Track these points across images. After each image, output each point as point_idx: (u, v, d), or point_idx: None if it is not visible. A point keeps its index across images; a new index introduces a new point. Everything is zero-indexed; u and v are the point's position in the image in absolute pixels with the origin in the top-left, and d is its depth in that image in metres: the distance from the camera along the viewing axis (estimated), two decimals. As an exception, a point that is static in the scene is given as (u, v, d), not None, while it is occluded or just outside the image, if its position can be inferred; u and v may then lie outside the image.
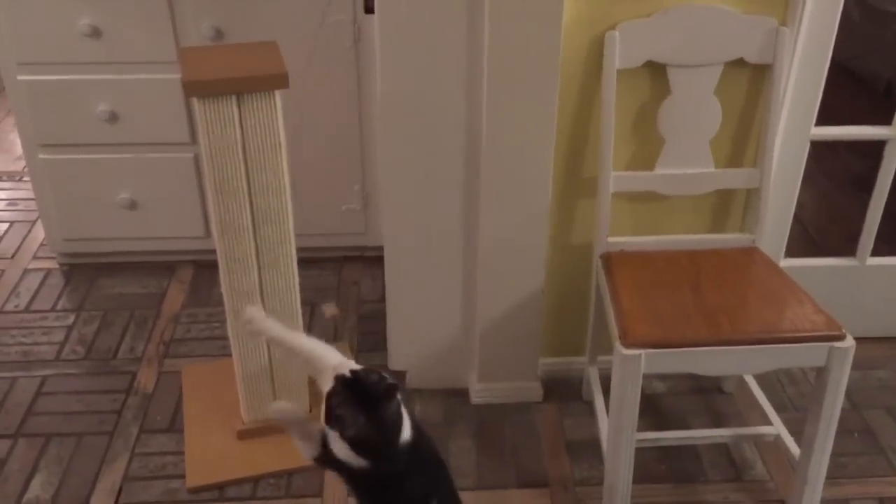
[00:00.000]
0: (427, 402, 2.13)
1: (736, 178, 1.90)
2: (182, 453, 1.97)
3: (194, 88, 1.62)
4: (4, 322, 2.41)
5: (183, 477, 1.91)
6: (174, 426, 2.05)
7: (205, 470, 1.92)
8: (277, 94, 1.67)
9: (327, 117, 2.41)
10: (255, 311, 1.65)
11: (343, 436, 1.31)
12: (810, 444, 1.70)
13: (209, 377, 2.18)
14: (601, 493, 1.79)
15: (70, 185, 2.48)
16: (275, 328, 1.57)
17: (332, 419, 1.32)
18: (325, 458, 1.40)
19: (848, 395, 1.66)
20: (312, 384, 2.03)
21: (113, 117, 2.37)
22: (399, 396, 1.35)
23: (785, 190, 2.07)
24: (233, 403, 2.02)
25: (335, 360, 1.40)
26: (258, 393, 1.96)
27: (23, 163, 3.09)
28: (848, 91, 3.00)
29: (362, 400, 1.30)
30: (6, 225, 2.87)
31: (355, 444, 1.32)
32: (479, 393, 2.12)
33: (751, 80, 1.85)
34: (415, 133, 1.85)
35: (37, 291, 2.54)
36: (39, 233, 2.76)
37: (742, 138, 1.91)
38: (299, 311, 1.91)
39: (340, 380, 1.31)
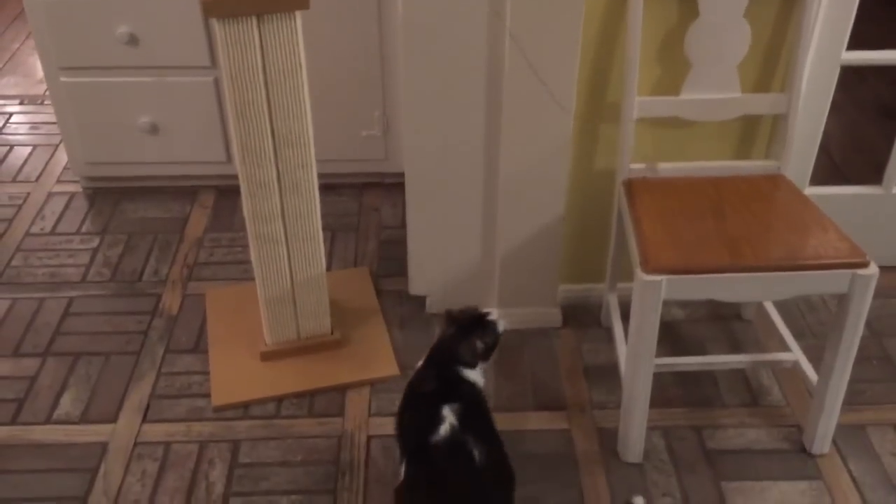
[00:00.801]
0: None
1: (763, 104, 1.87)
2: (207, 373, 2.02)
3: (214, 9, 1.60)
4: (31, 244, 2.45)
5: (208, 396, 1.96)
6: (199, 347, 2.10)
7: (229, 389, 1.97)
8: (298, 14, 1.65)
9: (347, 41, 2.38)
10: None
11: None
12: (829, 370, 1.71)
13: (232, 300, 2.21)
14: (618, 417, 1.81)
15: (91, 108, 2.48)
16: None
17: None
18: None
19: (868, 322, 1.66)
20: (334, 307, 2.06)
21: (133, 40, 2.35)
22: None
23: (812, 116, 2.04)
24: (255, 326, 2.05)
25: None
26: (281, 316, 1.99)
27: (44, 86, 3.09)
28: (879, 14, 2.92)
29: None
30: (29, 148, 2.88)
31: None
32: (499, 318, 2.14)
33: (782, 1, 1.81)
34: (436, 57, 1.83)
35: (61, 214, 2.57)
36: (62, 156, 2.77)
37: (770, 62, 1.88)
38: (321, 235, 1.92)
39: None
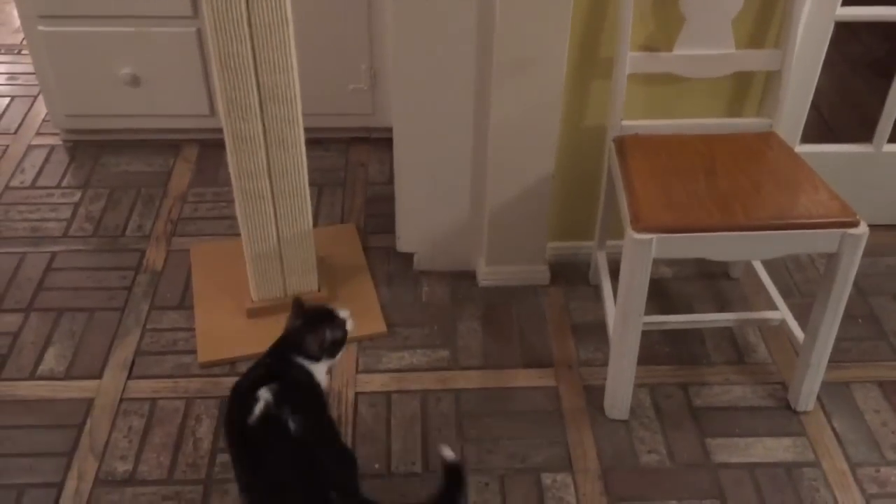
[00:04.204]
0: (435, 285, 2.14)
1: (757, 60, 1.85)
2: (192, 330, 2.00)
3: (197, -43, 1.56)
4: (11, 198, 2.40)
5: (194, 352, 1.95)
6: (184, 303, 2.08)
7: (215, 346, 1.95)
8: (284, -36, 1.61)
9: (334, -9, 2.32)
10: None
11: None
12: (815, 329, 1.72)
13: (217, 256, 2.18)
14: (605, 374, 1.82)
15: (70, 58, 2.42)
16: None
17: None
18: None
19: (855, 281, 1.66)
20: (321, 264, 2.04)
21: (112, -12, 2.29)
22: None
23: (805, 73, 2.02)
24: (241, 282, 2.03)
25: None
26: (267, 272, 1.97)
27: (21, 35, 3.01)
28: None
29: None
30: (7, 99, 2.82)
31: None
32: (487, 276, 2.13)
33: (778, -45, 1.78)
34: (425, 9, 1.79)
35: (42, 167, 2.52)
36: (41, 108, 2.72)
37: (765, 18, 1.85)
38: (307, 192, 1.89)
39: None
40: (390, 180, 2.19)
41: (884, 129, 2.15)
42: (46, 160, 2.55)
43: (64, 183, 2.47)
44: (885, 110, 2.12)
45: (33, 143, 2.62)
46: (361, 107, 2.52)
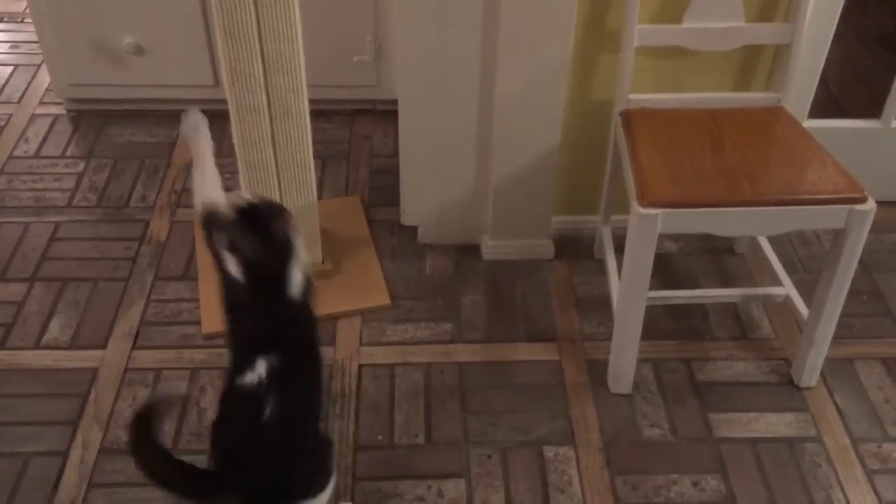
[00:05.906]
0: (439, 258, 2.14)
1: (766, 34, 1.83)
2: (197, 300, 2.00)
3: (201, -76, 1.54)
4: (15, 167, 2.40)
5: (198, 323, 1.95)
6: (188, 274, 2.08)
7: (220, 317, 1.95)
8: (289, -68, 1.59)
9: (339, -40, 2.30)
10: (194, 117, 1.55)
11: (240, 260, 1.37)
12: (820, 305, 1.71)
13: (222, 227, 2.18)
14: (608, 348, 1.82)
15: (73, 27, 2.40)
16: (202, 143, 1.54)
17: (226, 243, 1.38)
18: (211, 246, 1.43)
19: (860, 257, 1.65)
20: (325, 236, 2.04)
21: (115, -44, 2.27)
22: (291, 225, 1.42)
23: (814, 47, 1.99)
24: (246, 253, 2.02)
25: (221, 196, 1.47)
26: (271, 244, 1.97)
27: (24, 3, 2.99)
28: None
29: (256, 227, 1.39)
30: (10, 68, 2.80)
31: (250, 267, 1.38)
32: (491, 249, 2.13)
33: (789, -73, 1.75)
34: (432, -22, 1.77)
35: (45, 137, 2.51)
36: (45, 77, 2.70)
37: (775, -9, 1.83)
38: (312, 163, 1.88)
39: (237, 208, 1.40)
40: (395, 153, 2.18)
41: (892, 104, 2.13)
42: (50, 130, 2.54)
43: (67, 153, 2.46)
44: (893, 85, 2.10)
45: (36, 112, 2.61)
46: (366, 78, 2.51)
